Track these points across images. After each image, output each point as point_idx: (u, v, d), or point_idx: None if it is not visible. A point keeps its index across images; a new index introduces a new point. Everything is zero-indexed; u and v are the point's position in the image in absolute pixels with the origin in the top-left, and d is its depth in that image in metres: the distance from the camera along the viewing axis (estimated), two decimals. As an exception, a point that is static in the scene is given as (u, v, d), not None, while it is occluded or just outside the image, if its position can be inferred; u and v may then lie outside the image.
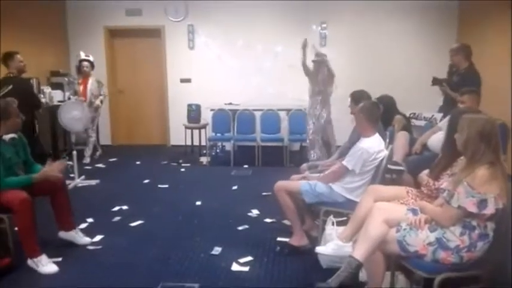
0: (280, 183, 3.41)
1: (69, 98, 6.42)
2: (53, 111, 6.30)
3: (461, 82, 4.39)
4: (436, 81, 4.84)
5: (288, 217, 3.50)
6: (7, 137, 3.16)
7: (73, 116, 5.31)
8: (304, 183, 3.32)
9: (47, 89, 6.63)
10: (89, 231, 3.77)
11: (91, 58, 6.58)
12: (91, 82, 6.54)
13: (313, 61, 5.47)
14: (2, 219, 3.08)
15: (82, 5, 7.68)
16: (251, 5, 7.40)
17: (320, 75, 5.42)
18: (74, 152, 5.45)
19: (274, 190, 3.39)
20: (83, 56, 6.55)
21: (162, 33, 7.59)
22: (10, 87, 4.78)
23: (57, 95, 6.72)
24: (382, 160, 3.14)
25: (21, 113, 3.31)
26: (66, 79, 7.13)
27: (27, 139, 3.47)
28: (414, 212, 2.50)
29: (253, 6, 7.40)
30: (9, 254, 3.08)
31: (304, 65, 5.48)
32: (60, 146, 6.87)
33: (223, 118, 6.86)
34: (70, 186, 5.03)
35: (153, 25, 7.51)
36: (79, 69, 6.59)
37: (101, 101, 6.71)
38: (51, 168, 3.33)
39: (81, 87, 6.44)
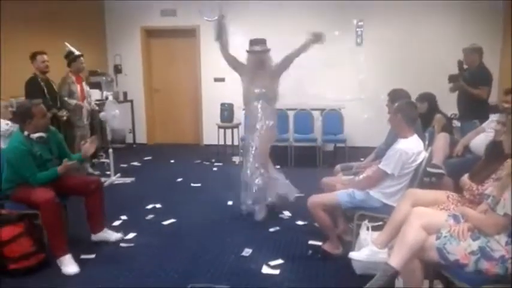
0: (315, 200, 3.22)
1: (106, 98, 6.57)
2: (92, 110, 6.46)
3: (477, 79, 4.79)
4: (452, 78, 5.02)
5: (323, 229, 3.37)
6: (34, 135, 3.23)
7: (114, 115, 5.45)
8: (342, 194, 3.14)
9: (85, 88, 6.80)
10: (122, 229, 3.83)
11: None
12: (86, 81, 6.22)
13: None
14: (37, 214, 3.15)
15: (120, 6, 7.84)
16: (286, 4, 7.31)
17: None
18: (110, 150, 5.56)
19: (308, 205, 3.24)
20: (75, 50, 5.61)
21: (196, 33, 7.64)
22: None
23: (95, 94, 6.88)
24: (421, 163, 2.99)
25: None
26: (104, 78, 7.32)
27: None
28: (456, 218, 2.37)
29: (288, 5, 7.31)
30: (43, 250, 3.14)
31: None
32: (98, 144, 7.02)
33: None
34: (106, 184, 5.14)
35: (188, 25, 7.57)
36: (116, 68, 6.69)
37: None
38: (84, 149, 3.50)
39: (79, 87, 5.59)
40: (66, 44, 5.55)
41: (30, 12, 5.96)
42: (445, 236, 2.23)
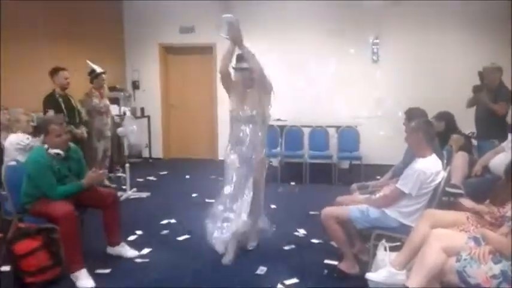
0: (328, 211, 3.21)
1: (124, 113, 6.67)
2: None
3: (497, 96, 4.79)
4: (477, 89, 4.99)
5: (338, 245, 3.33)
6: (52, 151, 3.28)
7: (131, 130, 5.54)
8: (354, 209, 3.12)
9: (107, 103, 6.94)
10: (137, 244, 3.85)
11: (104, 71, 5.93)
12: (107, 95, 6.22)
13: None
14: (55, 229, 3.17)
15: (139, 23, 8.02)
16: (302, 21, 7.39)
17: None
18: (127, 165, 5.62)
19: (321, 217, 3.22)
20: (97, 68, 5.78)
21: (213, 50, 7.75)
22: None
23: (113, 110, 6.99)
24: (439, 182, 2.95)
25: None
26: (122, 94, 7.46)
27: None
28: (476, 240, 2.32)
29: (305, 22, 7.39)
30: (60, 263, 3.16)
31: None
32: (115, 158, 7.12)
33: (271, 134, 6.81)
34: (122, 198, 5.19)
35: (205, 42, 7.69)
36: (134, 84, 6.82)
37: None
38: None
39: (102, 102, 5.83)
40: (88, 62, 5.73)
41: (52, 29, 6.15)
42: (466, 259, 2.19)
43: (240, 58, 3.53)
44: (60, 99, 5.15)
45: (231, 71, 3.55)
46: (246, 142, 3.50)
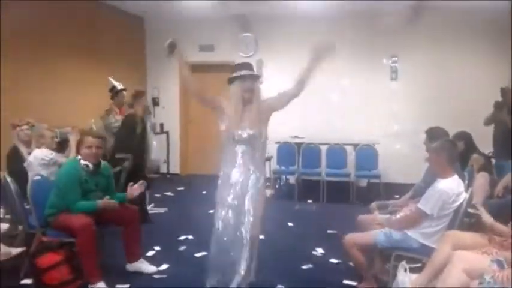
0: (351, 239, 3.16)
1: (144, 129, 6.78)
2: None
3: None
4: (499, 105, 4.93)
5: (357, 268, 3.30)
6: (82, 162, 3.39)
7: (152, 146, 5.63)
8: (380, 234, 3.07)
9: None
10: (155, 259, 3.87)
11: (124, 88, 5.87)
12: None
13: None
14: (74, 242, 3.22)
15: (160, 41, 8.15)
16: (319, 39, 7.44)
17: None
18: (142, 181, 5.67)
19: (344, 244, 3.18)
20: (117, 85, 5.80)
21: (232, 68, 7.85)
22: None
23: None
24: (461, 203, 2.91)
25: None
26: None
27: None
28: (499, 263, 2.28)
29: (321, 40, 7.44)
30: (81, 277, 3.20)
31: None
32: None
33: (288, 151, 6.84)
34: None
35: (224, 60, 7.80)
36: (154, 101, 6.87)
37: None
38: (130, 191, 3.60)
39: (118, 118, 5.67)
40: (110, 78, 5.84)
41: (75, 46, 6.33)
42: (489, 282, 2.15)
43: (238, 67, 3.12)
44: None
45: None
46: (239, 165, 2.96)
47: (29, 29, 5.39)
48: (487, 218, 2.67)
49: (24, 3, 5.20)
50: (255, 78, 3.07)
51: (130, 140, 4.98)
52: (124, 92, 5.82)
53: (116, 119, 5.66)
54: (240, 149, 2.97)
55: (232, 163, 2.98)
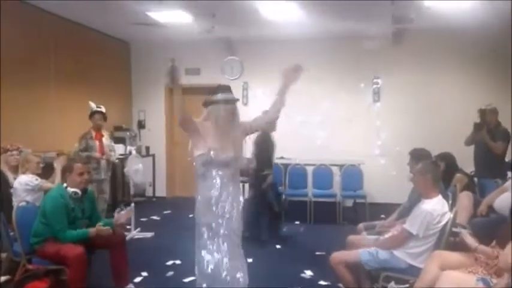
0: (338, 256, 3.22)
1: (130, 152, 6.76)
2: (114, 164, 6.63)
3: (495, 136, 4.96)
4: (478, 126, 5.10)
5: None
6: (70, 190, 3.35)
7: (136, 169, 5.58)
8: (365, 252, 3.12)
9: (110, 143, 7.01)
10: (143, 285, 3.82)
11: (103, 109, 5.63)
12: (106, 137, 5.72)
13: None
14: (63, 270, 3.17)
15: (146, 66, 8.25)
16: (303, 62, 7.46)
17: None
18: (132, 204, 5.62)
19: (330, 262, 3.23)
20: (94, 107, 5.60)
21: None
22: None
23: (119, 149, 7.08)
24: (446, 223, 2.97)
25: None
26: (128, 134, 7.58)
27: None
28: (485, 282, 2.33)
29: (305, 62, 7.45)
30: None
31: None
32: (119, 197, 7.15)
33: (275, 172, 6.84)
34: (127, 238, 5.15)
35: (210, 83, 7.86)
36: (140, 124, 6.88)
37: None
38: (118, 217, 3.55)
39: (97, 142, 5.53)
40: (90, 102, 5.65)
41: (61, 71, 6.33)
42: (476, 301, 2.19)
43: (221, 89, 2.97)
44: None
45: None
46: (221, 191, 2.86)
47: (15, 53, 5.39)
48: (471, 242, 2.72)
49: (10, 31, 5.20)
50: (236, 101, 3.02)
51: (270, 156, 5.44)
52: (96, 115, 5.51)
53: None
54: (219, 171, 2.88)
55: (212, 186, 2.90)
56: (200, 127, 2.89)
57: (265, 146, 5.28)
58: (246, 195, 5.36)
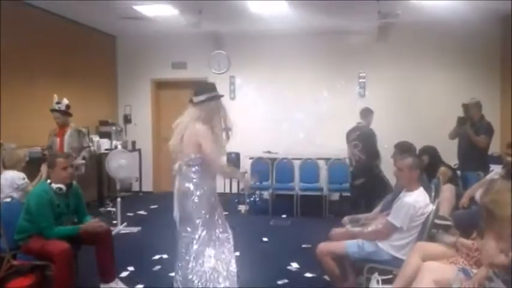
0: (324, 247, 3.26)
1: (115, 147, 6.71)
2: (100, 159, 6.60)
3: (479, 130, 5.02)
4: (461, 120, 5.20)
5: (332, 280, 3.38)
6: (54, 186, 3.32)
7: (119, 164, 5.52)
8: (351, 244, 3.17)
9: (95, 138, 6.97)
10: (129, 280, 3.82)
11: (62, 106, 5.13)
12: (69, 133, 5.17)
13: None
14: (48, 266, 3.14)
15: (132, 60, 8.19)
16: (291, 57, 7.62)
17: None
18: (119, 199, 5.61)
19: (317, 253, 3.27)
20: (53, 104, 5.14)
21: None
22: None
23: (104, 144, 7.03)
24: (428, 215, 3.03)
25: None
26: (113, 128, 7.52)
27: None
28: (465, 272, 2.39)
29: (293, 57, 7.61)
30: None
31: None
32: (105, 192, 7.10)
33: (262, 166, 6.91)
34: (113, 233, 5.13)
35: (197, 77, 7.85)
36: (126, 118, 6.81)
37: (84, 157, 5.34)
38: (84, 227, 3.44)
39: (58, 140, 5.14)
40: (54, 95, 5.24)
41: (47, 65, 6.25)
42: (456, 291, 2.24)
43: (212, 86, 3.15)
44: None
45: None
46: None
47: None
48: (448, 240, 2.79)
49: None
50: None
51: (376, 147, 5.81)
52: (54, 113, 5.09)
53: (56, 139, 5.12)
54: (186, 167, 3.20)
55: (213, 180, 3.29)
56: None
57: (372, 140, 5.79)
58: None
